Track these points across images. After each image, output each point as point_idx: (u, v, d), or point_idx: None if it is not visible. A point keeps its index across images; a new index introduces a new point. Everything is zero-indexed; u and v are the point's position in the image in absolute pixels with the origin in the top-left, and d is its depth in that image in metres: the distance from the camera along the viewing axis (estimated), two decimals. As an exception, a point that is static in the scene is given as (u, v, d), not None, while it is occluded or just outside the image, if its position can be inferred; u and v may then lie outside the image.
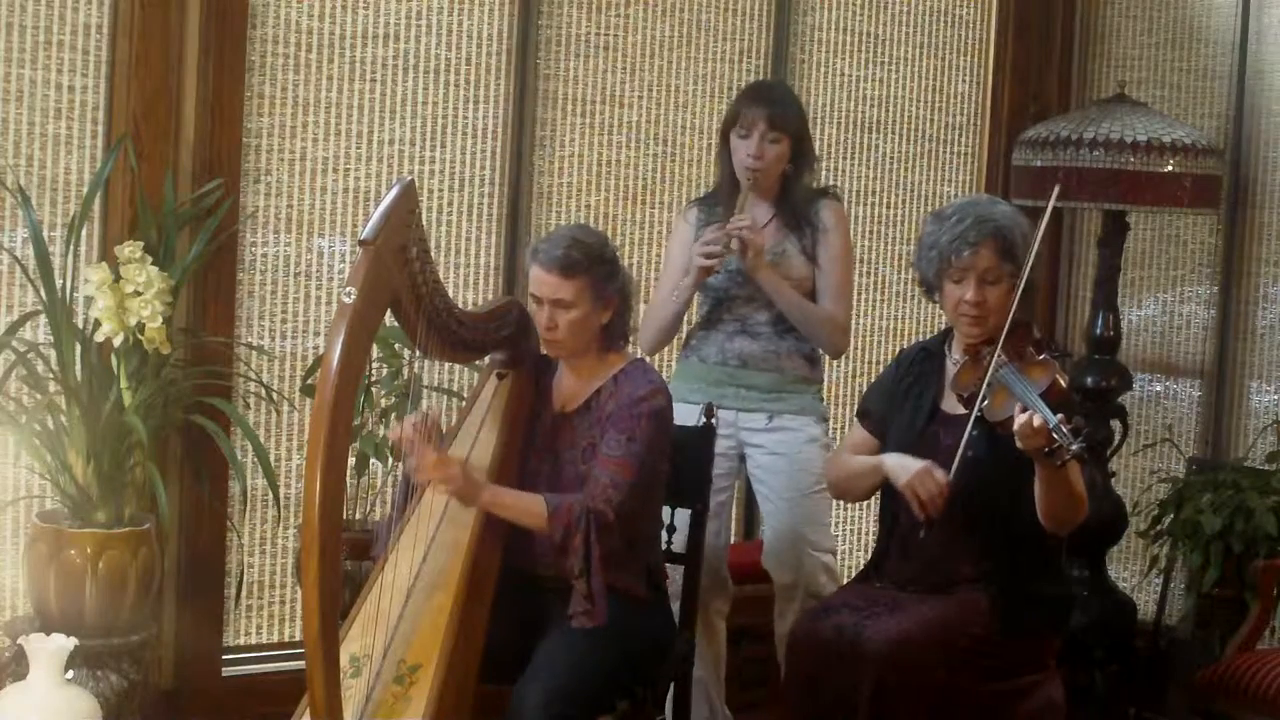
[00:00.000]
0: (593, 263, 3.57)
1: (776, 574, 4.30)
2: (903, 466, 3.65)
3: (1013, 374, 3.52)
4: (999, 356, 3.57)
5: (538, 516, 3.44)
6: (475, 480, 3.44)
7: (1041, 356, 3.59)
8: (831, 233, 4.23)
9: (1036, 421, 3.35)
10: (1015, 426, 3.39)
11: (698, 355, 4.28)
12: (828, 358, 4.45)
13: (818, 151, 4.52)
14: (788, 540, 4.26)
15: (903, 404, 3.79)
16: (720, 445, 4.06)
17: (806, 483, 4.21)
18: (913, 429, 3.73)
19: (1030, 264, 3.64)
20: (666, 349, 4.52)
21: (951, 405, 3.69)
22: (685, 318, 4.33)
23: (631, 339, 3.77)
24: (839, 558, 4.54)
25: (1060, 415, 3.35)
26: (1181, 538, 4.94)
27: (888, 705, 3.45)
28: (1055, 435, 3.34)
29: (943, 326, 3.93)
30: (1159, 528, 5.04)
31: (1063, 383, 3.49)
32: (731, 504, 4.50)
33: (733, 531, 4.92)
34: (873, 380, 4.23)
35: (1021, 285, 3.63)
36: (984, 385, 3.56)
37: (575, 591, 3.45)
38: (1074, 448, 3.32)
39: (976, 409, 3.56)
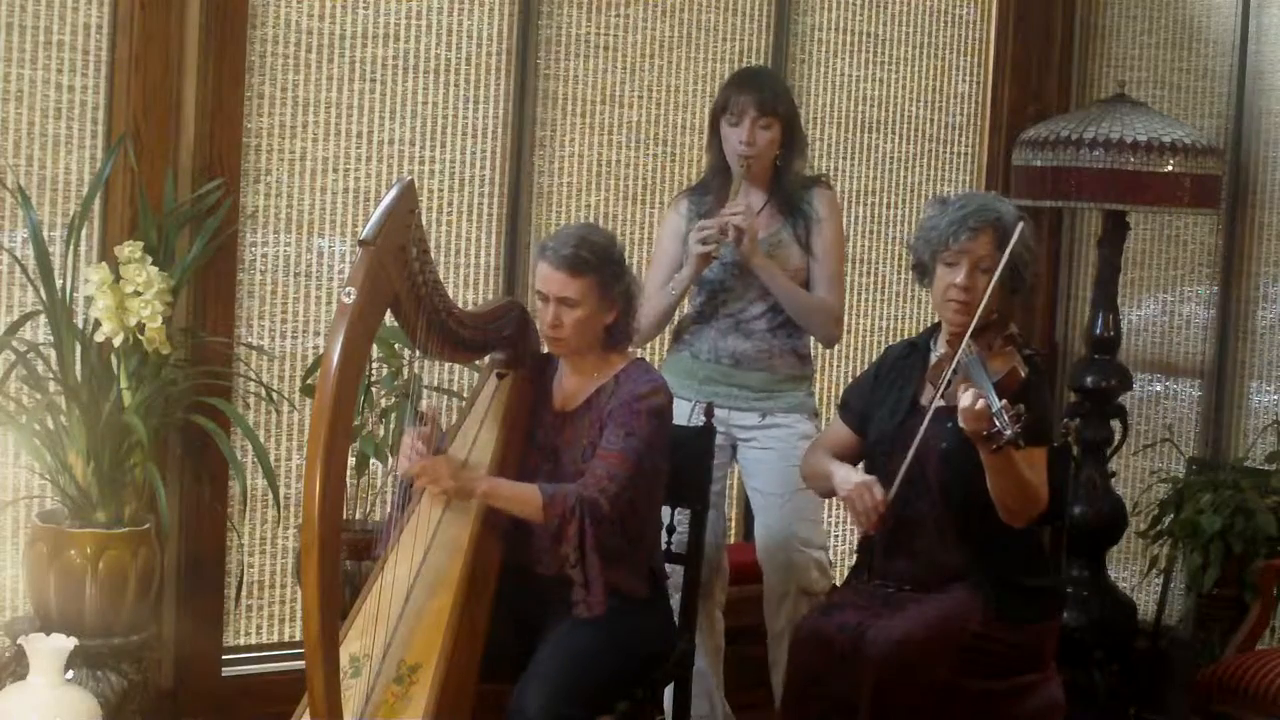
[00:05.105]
0: (601, 263, 3.58)
1: (768, 571, 4.30)
2: (845, 479, 3.70)
3: (976, 363, 3.53)
4: (968, 345, 3.58)
5: (533, 506, 3.44)
6: (468, 478, 3.45)
7: (1007, 349, 3.61)
8: (826, 222, 4.24)
9: (978, 405, 3.37)
10: (959, 408, 3.40)
11: (690, 350, 4.27)
12: (816, 353, 4.44)
13: (818, 153, 4.50)
14: (779, 537, 4.26)
15: (884, 398, 3.81)
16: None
17: (797, 479, 4.20)
18: (892, 422, 3.75)
19: (1006, 261, 3.64)
20: (657, 340, 4.51)
21: (929, 398, 3.70)
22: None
23: (634, 340, 3.77)
24: (832, 554, 4.53)
25: (1004, 402, 3.36)
26: (1181, 538, 4.94)
27: (889, 706, 3.46)
28: (995, 420, 3.35)
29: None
30: (1159, 528, 5.04)
31: (1021, 373, 3.51)
32: (726, 494, 4.48)
33: (732, 529, 4.91)
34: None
35: (997, 274, 3.63)
36: (949, 373, 3.57)
37: (575, 581, 3.46)
38: (1008, 433, 3.33)
39: (939, 399, 3.57)
